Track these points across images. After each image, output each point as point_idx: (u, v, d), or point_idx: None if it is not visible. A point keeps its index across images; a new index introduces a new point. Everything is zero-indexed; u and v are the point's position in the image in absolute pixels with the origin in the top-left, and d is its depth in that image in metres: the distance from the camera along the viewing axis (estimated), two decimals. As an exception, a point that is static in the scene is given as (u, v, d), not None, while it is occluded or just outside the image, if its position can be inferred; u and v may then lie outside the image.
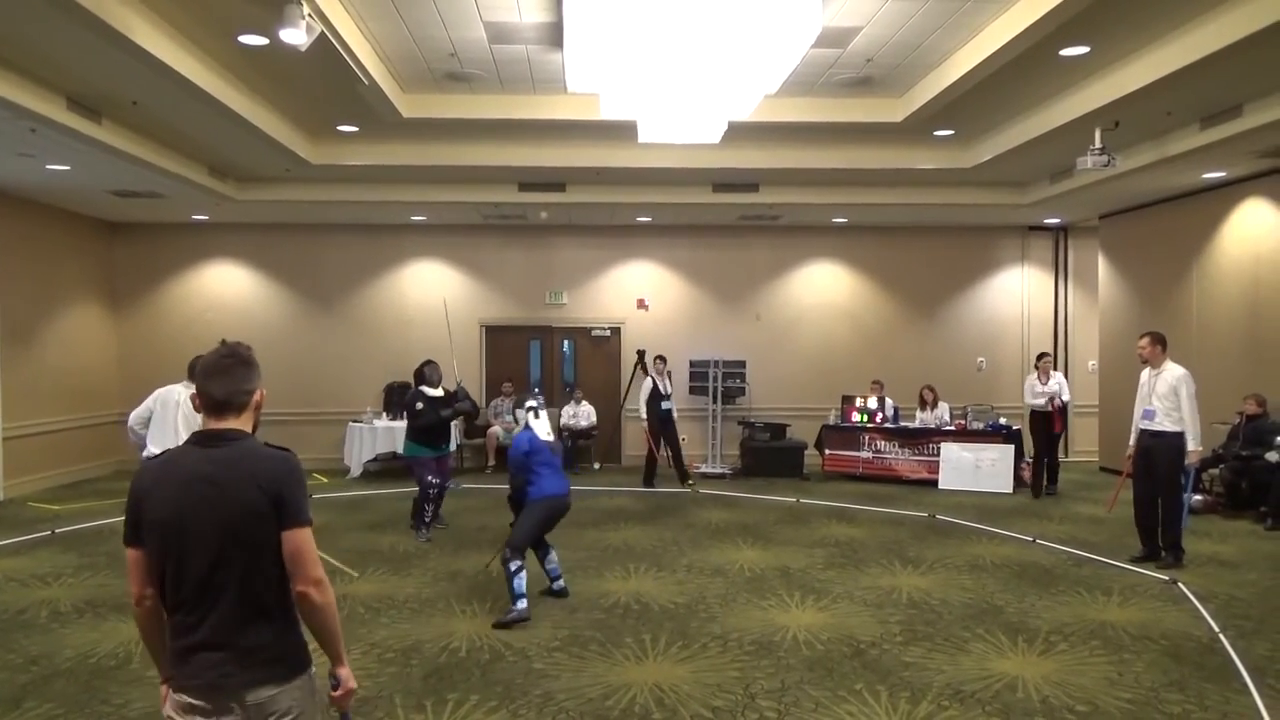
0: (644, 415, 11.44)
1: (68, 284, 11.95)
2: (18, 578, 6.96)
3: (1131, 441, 7.55)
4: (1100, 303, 12.92)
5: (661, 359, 11.66)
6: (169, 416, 6.29)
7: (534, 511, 6.09)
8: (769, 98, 7.62)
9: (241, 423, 2.38)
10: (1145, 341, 7.33)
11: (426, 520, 8.28)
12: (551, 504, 6.13)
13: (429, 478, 8.23)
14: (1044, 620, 5.87)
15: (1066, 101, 7.98)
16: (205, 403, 2.37)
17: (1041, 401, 10.46)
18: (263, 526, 2.28)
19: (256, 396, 2.42)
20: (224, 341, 2.49)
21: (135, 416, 6.37)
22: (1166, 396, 7.09)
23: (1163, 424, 7.10)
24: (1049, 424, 10.54)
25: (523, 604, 5.83)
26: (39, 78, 6.89)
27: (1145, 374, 7.35)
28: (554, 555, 6.44)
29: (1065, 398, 10.58)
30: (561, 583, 6.45)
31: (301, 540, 2.32)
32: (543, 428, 6.33)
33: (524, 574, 5.89)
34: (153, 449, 6.12)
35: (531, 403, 6.43)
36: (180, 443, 6.33)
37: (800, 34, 5.88)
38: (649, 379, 11.50)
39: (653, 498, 10.60)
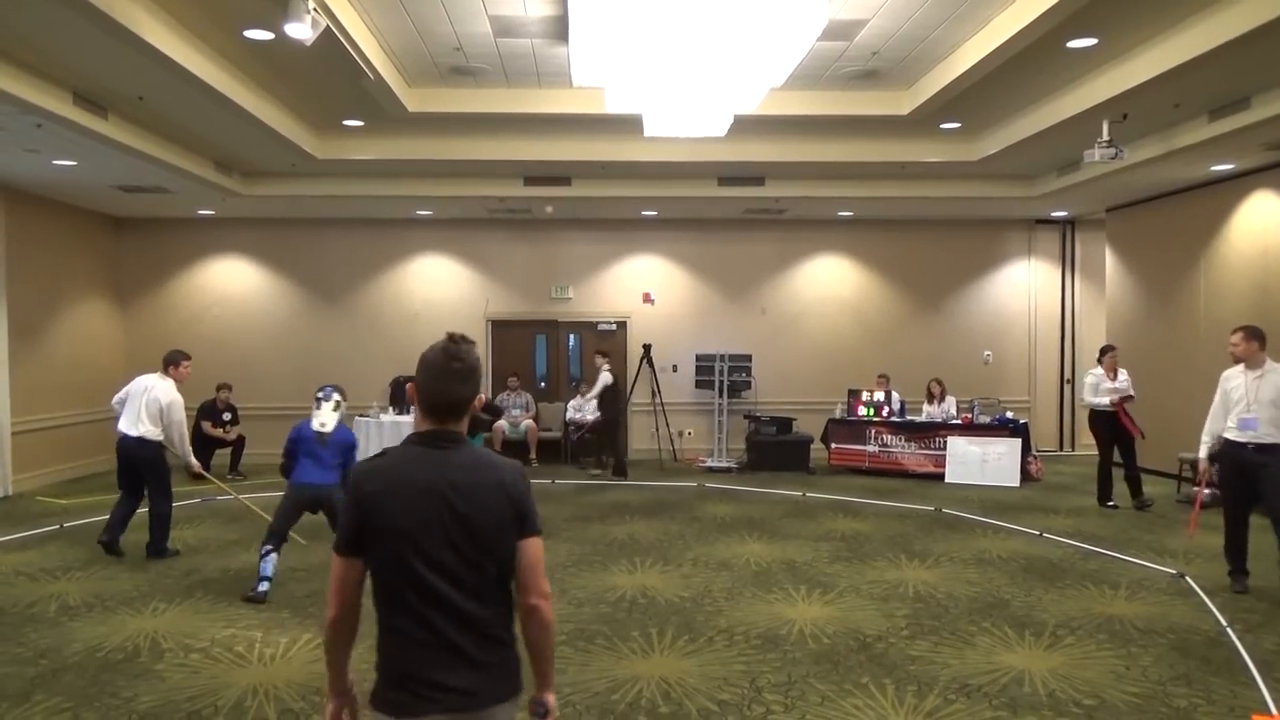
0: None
1: (74, 279, 11.97)
2: (26, 571, 6.99)
3: (1203, 454, 6.55)
4: (1107, 296, 12.87)
5: (601, 354, 12.12)
6: (136, 402, 7.18)
7: (284, 498, 6.41)
8: (775, 91, 7.59)
9: (461, 425, 2.26)
10: (1239, 337, 6.29)
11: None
12: (296, 492, 6.33)
13: None
14: (1051, 614, 5.86)
15: (1074, 94, 7.94)
16: (428, 404, 2.23)
17: (1105, 400, 9.33)
18: (505, 535, 2.19)
19: (476, 400, 2.31)
20: (450, 337, 2.31)
21: (116, 397, 7.37)
22: (1274, 403, 6.04)
23: (1271, 435, 6.02)
24: (1113, 425, 9.35)
25: (262, 586, 6.12)
26: (45, 73, 6.90)
27: (1237, 375, 6.32)
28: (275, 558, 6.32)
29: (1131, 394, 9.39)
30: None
31: (538, 550, 2.23)
32: (318, 418, 6.44)
33: (271, 558, 6.19)
34: (121, 427, 7.17)
35: (319, 393, 6.58)
36: (139, 424, 6.69)
37: (806, 26, 5.86)
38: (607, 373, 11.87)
39: (658, 492, 10.61)
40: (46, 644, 5.35)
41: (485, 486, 2.18)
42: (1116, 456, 9.46)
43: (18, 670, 4.94)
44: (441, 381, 2.22)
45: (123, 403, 7.26)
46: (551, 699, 2.32)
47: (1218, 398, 6.45)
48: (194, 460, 7.52)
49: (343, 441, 6.48)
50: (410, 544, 2.12)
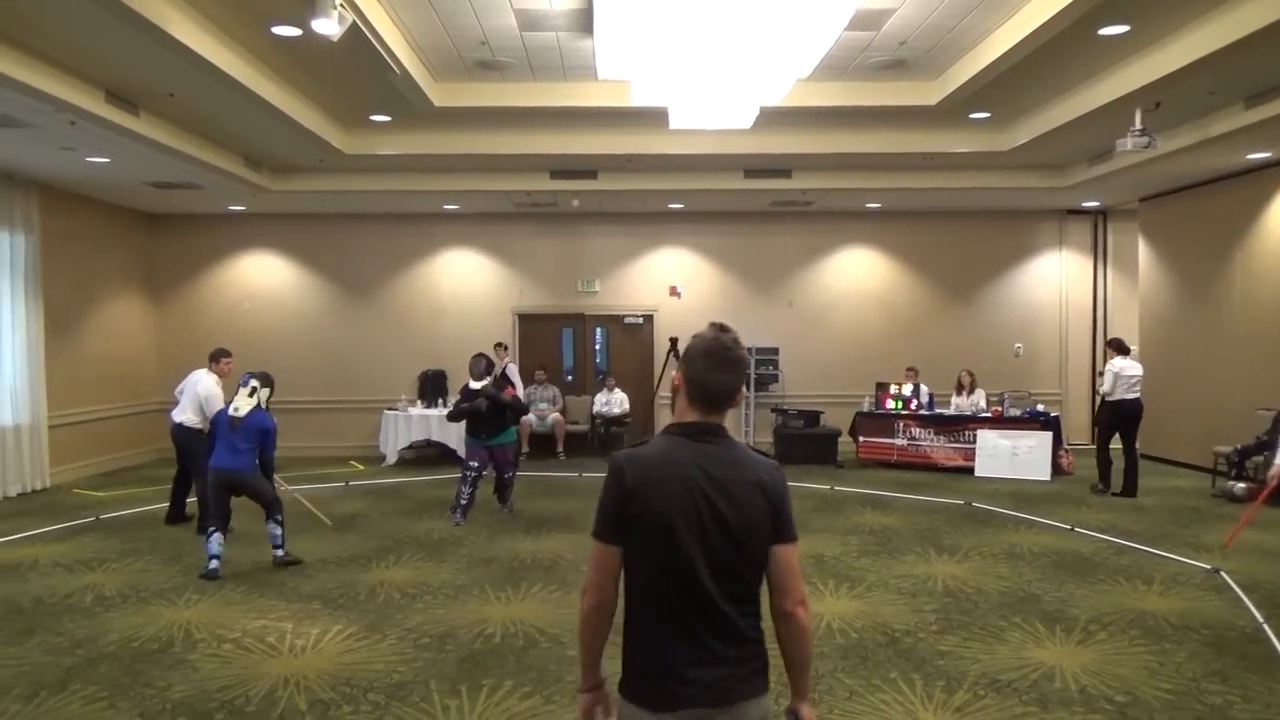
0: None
1: (108, 275, 12.14)
2: (63, 563, 7.11)
3: (1278, 460, 6.07)
4: (1140, 287, 12.68)
5: (500, 345, 12.27)
6: (187, 393, 8.01)
7: (207, 482, 6.91)
8: (801, 81, 7.55)
9: (725, 418, 2.23)
10: None
11: (462, 504, 8.43)
12: (212, 475, 6.79)
13: (469, 462, 8.55)
14: (1082, 609, 5.80)
15: (1106, 82, 7.82)
16: (701, 394, 2.19)
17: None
18: (759, 536, 2.16)
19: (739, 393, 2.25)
20: (717, 326, 2.26)
21: (178, 388, 8.20)
22: None
23: None
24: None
25: (212, 564, 6.56)
26: (78, 71, 6.99)
27: None
28: (271, 527, 6.90)
29: (1102, 389, 9.83)
30: (279, 553, 6.92)
31: (795, 556, 2.21)
32: (234, 404, 6.84)
33: (214, 537, 6.61)
34: (173, 415, 8.07)
35: (240, 380, 6.98)
36: (183, 412, 7.45)
37: (833, 17, 5.83)
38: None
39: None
40: (83, 634, 5.44)
41: (743, 484, 2.14)
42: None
43: (55, 660, 5.03)
44: (717, 371, 2.18)
45: (182, 392, 8.10)
46: (807, 709, 2.27)
47: None
48: None
49: (256, 426, 6.80)
50: (668, 537, 2.10)
